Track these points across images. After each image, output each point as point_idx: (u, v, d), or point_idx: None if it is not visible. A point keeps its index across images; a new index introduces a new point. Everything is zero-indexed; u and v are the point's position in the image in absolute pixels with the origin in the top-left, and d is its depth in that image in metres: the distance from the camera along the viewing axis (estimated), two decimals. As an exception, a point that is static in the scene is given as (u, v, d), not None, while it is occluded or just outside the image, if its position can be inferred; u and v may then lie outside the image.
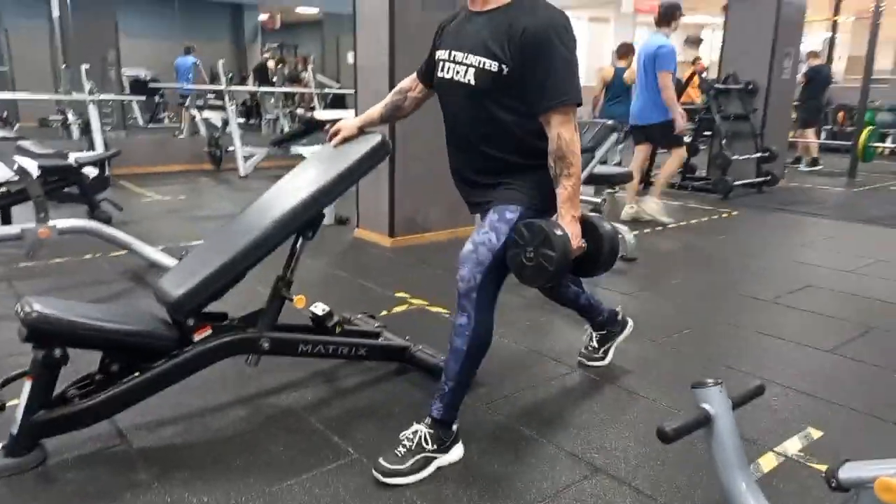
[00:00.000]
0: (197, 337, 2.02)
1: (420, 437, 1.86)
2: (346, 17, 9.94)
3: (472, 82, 1.84)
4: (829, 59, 10.01)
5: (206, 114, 9.13)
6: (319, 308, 2.37)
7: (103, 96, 7.19)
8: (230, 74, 8.33)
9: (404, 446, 1.85)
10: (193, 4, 12.74)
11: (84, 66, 7.02)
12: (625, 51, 7.01)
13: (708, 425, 1.55)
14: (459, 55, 1.87)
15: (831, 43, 9.85)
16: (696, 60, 9.14)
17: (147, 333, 1.94)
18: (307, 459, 1.91)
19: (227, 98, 7.85)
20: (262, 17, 14.95)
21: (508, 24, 1.77)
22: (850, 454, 1.36)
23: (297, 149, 7.81)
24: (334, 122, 7.28)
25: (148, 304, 2.96)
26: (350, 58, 10.91)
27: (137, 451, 1.93)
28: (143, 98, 9.26)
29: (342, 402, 2.28)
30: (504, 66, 1.77)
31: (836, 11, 9.71)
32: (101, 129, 6.85)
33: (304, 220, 2.16)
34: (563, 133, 1.78)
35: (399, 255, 4.19)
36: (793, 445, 2.04)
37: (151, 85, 9.31)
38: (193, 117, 8.90)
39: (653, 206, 5.34)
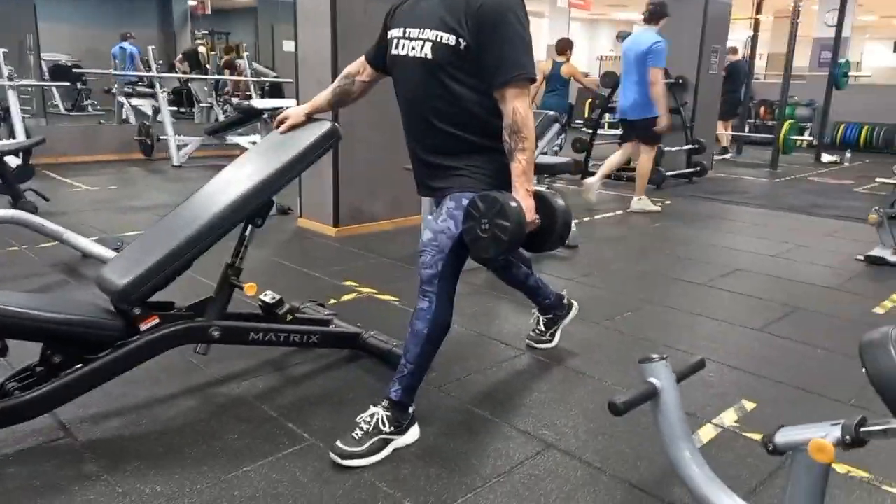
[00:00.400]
0: (144, 326, 1.97)
1: (377, 420, 1.87)
2: (282, 5, 9.75)
3: (430, 56, 1.84)
4: (752, 55, 10.49)
5: (135, 101, 8.80)
6: (269, 296, 2.34)
7: (24, 82, 6.82)
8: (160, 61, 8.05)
9: (361, 429, 1.86)
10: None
11: (1, 50, 6.63)
12: (563, 46, 7.17)
13: (655, 398, 1.63)
14: (415, 31, 1.88)
15: (753, 41, 10.32)
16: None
17: (91, 323, 1.88)
18: (262, 446, 1.90)
19: (158, 85, 7.58)
20: (192, 2, 14.45)
21: (465, 1, 1.79)
22: (782, 423, 1.46)
23: (233, 138, 7.64)
24: (273, 110, 7.14)
25: (86, 295, 2.86)
26: (286, 46, 10.70)
27: (83, 444, 1.87)
28: (66, 84, 8.83)
29: (295, 390, 2.26)
30: (461, 40, 1.80)
31: (758, 10, 10.17)
32: (20, 116, 6.50)
33: (254, 208, 2.14)
34: (517, 107, 1.81)
35: (345, 245, 4.16)
36: (728, 417, 2.16)
37: (74, 71, 8.90)
38: (122, 105, 8.54)
39: (638, 205, 5.57)
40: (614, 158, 5.72)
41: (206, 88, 9.18)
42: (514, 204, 1.81)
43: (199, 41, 11.04)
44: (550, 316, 2.63)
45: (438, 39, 1.83)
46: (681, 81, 7.24)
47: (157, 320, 2.00)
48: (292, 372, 2.39)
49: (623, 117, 5.51)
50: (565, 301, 2.65)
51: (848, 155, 9.79)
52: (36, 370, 1.86)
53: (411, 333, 1.90)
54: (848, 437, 1.33)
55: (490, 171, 1.92)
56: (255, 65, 9.31)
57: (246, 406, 2.13)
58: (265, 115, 6.89)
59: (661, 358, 1.66)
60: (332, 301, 3.07)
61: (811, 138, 10.02)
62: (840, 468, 1.86)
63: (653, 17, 5.29)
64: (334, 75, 4.12)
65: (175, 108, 8.59)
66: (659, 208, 5.67)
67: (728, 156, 9.59)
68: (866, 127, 10.73)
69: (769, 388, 2.38)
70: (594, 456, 1.91)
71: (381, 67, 2.12)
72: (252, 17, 14.19)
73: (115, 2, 13.74)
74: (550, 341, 2.63)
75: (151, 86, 8.46)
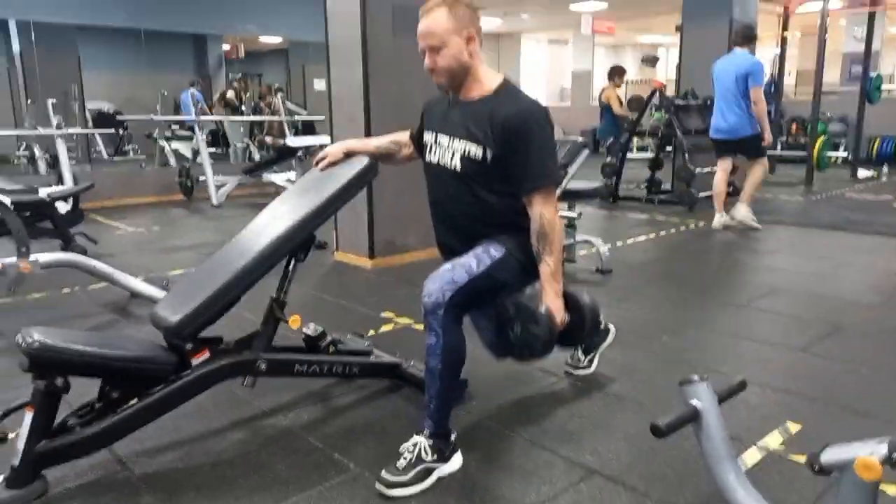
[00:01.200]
0: (195, 361, 2.05)
1: (420, 449, 1.91)
2: (313, 45, 10.05)
3: (458, 167, 1.98)
4: (780, 73, 10.43)
5: (175, 144, 9.12)
6: (312, 328, 2.42)
7: (71, 130, 7.14)
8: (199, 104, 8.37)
9: (405, 458, 1.90)
10: (157, 36, 12.73)
11: (51, 101, 6.97)
12: (611, 72, 7.40)
13: (697, 419, 1.64)
14: (445, 140, 2.02)
15: (781, 58, 10.27)
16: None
17: (148, 359, 1.97)
18: (310, 476, 1.95)
19: (197, 128, 7.85)
20: (226, 46, 14.97)
21: (490, 113, 1.91)
22: (828, 442, 1.45)
23: (269, 176, 7.86)
24: (307, 148, 7.33)
25: (139, 333, 2.97)
26: (317, 85, 10.97)
27: (140, 477, 1.95)
28: (110, 131, 9.20)
29: (339, 421, 2.31)
30: (488, 152, 1.92)
31: (785, 27, 10.14)
32: (68, 163, 6.80)
33: (297, 243, 2.22)
34: (544, 213, 1.92)
35: (381, 276, 4.24)
36: (773, 440, 2.14)
37: (118, 118, 9.28)
38: (163, 148, 8.86)
39: (743, 212, 5.66)
40: (720, 178, 5.80)
41: (241, 130, 9.46)
42: (543, 308, 1.91)
43: (234, 84, 11.40)
44: (589, 341, 2.64)
45: (466, 152, 1.96)
46: (709, 102, 7.21)
47: (208, 354, 2.08)
48: (336, 403, 2.45)
49: (722, 137, 5.63)
50: (602, 326, 2.67)
51: (885, 170, 9.61)
52: (95, 406, 1.94)
53: (427, 371, 1.92)
54: (895, 454, 1.33)
55: (515, 242, 2.00)
56: (288, 104, 9.56)
57: (293, 437, 2.19)
58: (299, 153, 7.10)
59: (701, 379, 1.67)
60: (371, 332, 3.13)
61: (846, 154, 9.87)
62: (892, 490, 1.83)
63: (746, 39, 5.56)
64: (367, 112, 4.29)
65: (212, 150, 8.86)
66: (760, 226, 5.67)
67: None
68: (903, 140, 10.54)
69: (814, 410, 2.35)
70: (638, 481, 1.92)
71: (421, 151, 2.25)
72: (283, 59, 14.61)
73: (152, 50, 14.26)
74: (588, 367, 2.64)
75: (191, 129, 8.80)
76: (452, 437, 1.98)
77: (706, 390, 1.66)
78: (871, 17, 8.89)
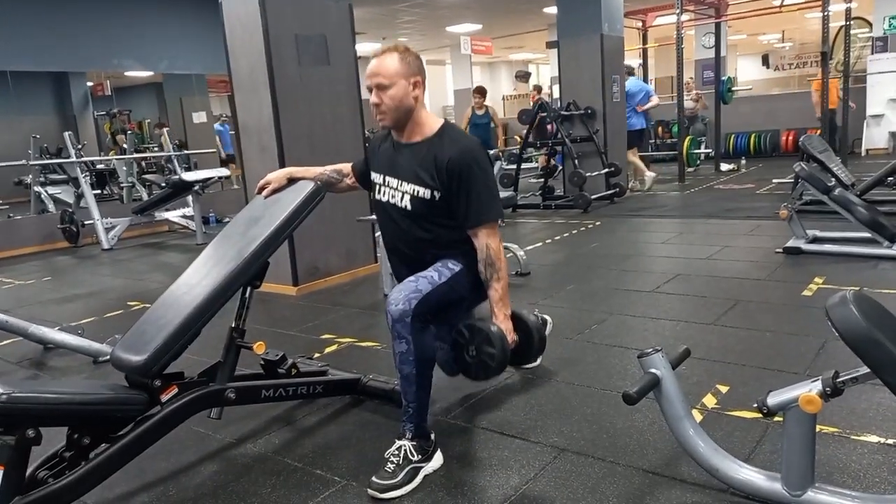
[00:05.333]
0: (164, 397, 2.03)
1: (405, 451, 1.99)
2: (196, 77, 9.75)
3: (409, 207, 2.12)
4: (645, 81, 11.35)
5: (52, 189, 8.55)
6: (271, 353, 2.43)
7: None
8: (81, 145, 7.91)
9: (392, 462, 1.98)
10: (8, 76, 11.86)
11: None
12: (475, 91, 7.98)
13: (657, 385, 1.85)
14: (394, 181, 2.15)
15: (644, 69, 11.19)
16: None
17: (120, 400, 1.92)
18: (298, 494, 1.98)
19: (79, 170, 7.43)
20: (89, 83, 14.16)
21: (434, 156, 2.07)
22: (755, 397, 1.69)
23: (163, 214, 7.57)
24: (204, 181, 7.10)
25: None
26: (196, 118, 10.65)
27: (121, 523, 1.90)
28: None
29: (311, 440, 2.34)
30: (436, 193, 2.07)
31: (644, 41, 11.06)
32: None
33: (254, 271, 2.24)
34: (490, 244, 2.09)
35: (309, 302, 4.24)
36: (709, 401, 2.41)
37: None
38: (39, 195, 8.27)
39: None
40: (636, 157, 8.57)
41: (124, 168, 9.02)
42: (495, 329, 2.06)
43: (117, 120, 10.86)
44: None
45: (415, 193, 2.10)
46: (590, 111, 7.77)
47: (176, 390, 2.06)
48: (302, 423, 2.47)
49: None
50: (539, 319, 2.85)
51: (743, 162, 10.69)
52: (65, 455, 1.87)
53: (402, 377, 2.00)
54: (828, 389, 1.59)
55: (470, 260, 2.14)
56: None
57: (269, 462, 2.20)
58: (196, 187, 6.89)
59: (656, 350, 1.88)
60: (317, 354, 3.16)
61: (709, 150, 10.87)
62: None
63: (631, 74, 8.63)
64: (278, 140, 4.31)
65: (96, 192, 8.36)
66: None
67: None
68: (753, 135, 11.75)
69: (735, 372, 2.66)
70: (605, 452, 2.10)
71: (363, 182, 2.40)
72: (154, 92, 14.03)
73: (4, 90, 13.28)
74: (535, 360, 2.82)
75: (65, 172, 8.31)
76: (432, 436, 2.08)
77: (661, 359, 1.87)
78: (718, 27, 9.91)
